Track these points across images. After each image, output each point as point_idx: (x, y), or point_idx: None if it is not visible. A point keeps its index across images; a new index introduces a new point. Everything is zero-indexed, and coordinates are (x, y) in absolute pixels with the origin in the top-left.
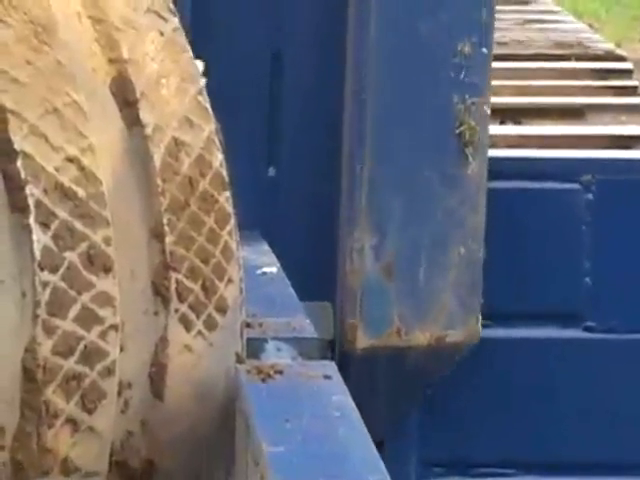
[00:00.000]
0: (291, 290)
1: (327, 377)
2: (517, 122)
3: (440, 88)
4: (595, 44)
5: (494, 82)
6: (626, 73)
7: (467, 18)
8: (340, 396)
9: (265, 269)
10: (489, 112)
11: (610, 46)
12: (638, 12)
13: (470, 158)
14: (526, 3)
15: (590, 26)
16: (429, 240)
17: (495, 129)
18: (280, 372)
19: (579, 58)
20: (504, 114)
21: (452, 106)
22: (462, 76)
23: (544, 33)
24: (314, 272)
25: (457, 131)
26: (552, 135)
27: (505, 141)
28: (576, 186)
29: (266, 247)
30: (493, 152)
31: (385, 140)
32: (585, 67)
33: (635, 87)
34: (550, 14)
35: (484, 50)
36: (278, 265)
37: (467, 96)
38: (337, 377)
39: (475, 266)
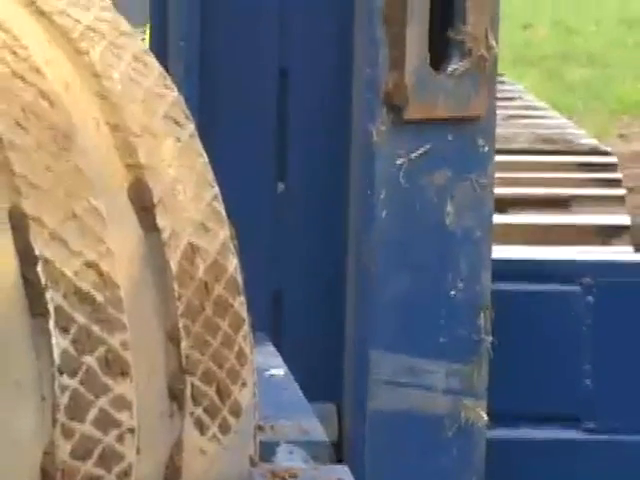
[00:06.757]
0: (300, 393)
1: None
2: (503, 211)
3: None
4: (578, 139)
5: None
6: (611, 166)
7: None
8: None
9: (273, 371)
10: None
11: (594, 142)
12: (616, 106)
13: None
14: (511, 99)
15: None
16: None
17: None
18: (294, 476)
19: (564, 153)
20: None
21: None
22: None
23: (529, 129)
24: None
25: None
26: (537, 224)
27: None
28: (576, 288)
29: (272, 348)
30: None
31: None
32: (570, 161)
33: (619, 180)
34: (534, 110)
35: None
36: (285, 367)
37: None
38: None
39: None
